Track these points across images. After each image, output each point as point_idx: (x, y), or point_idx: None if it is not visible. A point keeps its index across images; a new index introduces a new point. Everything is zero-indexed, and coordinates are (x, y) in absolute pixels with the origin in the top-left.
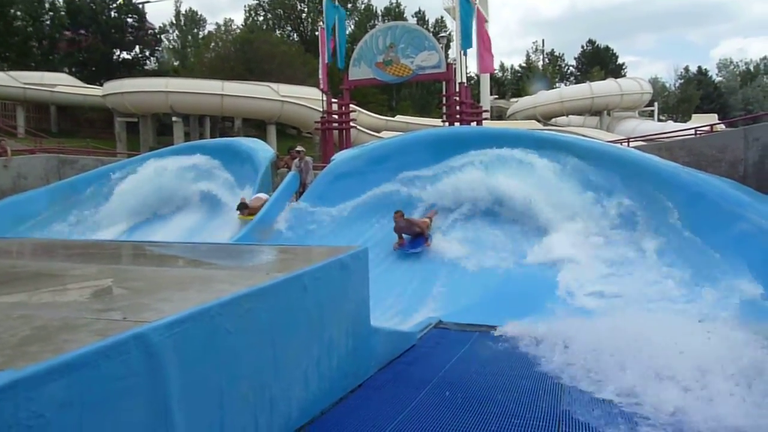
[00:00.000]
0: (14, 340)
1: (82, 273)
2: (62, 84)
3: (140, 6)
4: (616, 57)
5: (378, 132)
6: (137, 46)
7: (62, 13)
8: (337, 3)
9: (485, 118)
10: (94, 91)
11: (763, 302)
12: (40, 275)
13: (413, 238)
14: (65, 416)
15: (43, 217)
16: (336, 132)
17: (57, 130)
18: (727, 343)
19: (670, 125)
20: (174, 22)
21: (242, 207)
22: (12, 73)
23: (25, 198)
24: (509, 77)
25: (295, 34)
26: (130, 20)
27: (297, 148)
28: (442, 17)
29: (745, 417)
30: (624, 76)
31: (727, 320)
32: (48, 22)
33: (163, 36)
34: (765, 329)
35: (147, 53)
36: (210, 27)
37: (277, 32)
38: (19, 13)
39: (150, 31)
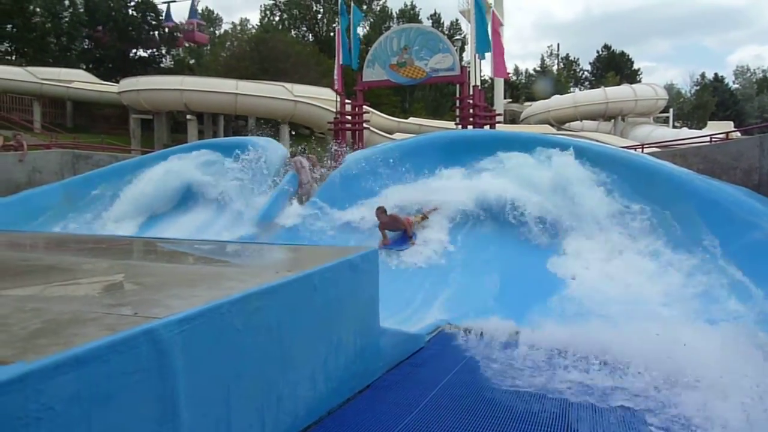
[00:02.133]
0: (25, 332)
1: (93, 268)
2: (79, 80)
3: (163, 5)
4: (632, 62)
5: (390, 134)
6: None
7: (80, 10)
8: (352, 4)
9: (498, 122)
10: (110, 87)
11: None
12: (52, 269)
13: (400, 236)
14: (74, 409)
15: (56, 211)
16: (349, 133)
17: (72, 125)
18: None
19: (685, 132)
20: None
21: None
22: (29, 68)
23: (40, 192)
24: (523, 81)
25: (310, 35)
26: (148, 17)
27: (290, 151)
28: (457, 20)
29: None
30: (639, 81)
31: (739, 328)
32: (66, 19)
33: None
34: None
35: (163, 51)
36: (226, 26)
37: (292, 32)
38: (38, 9)
39: (171, 28)
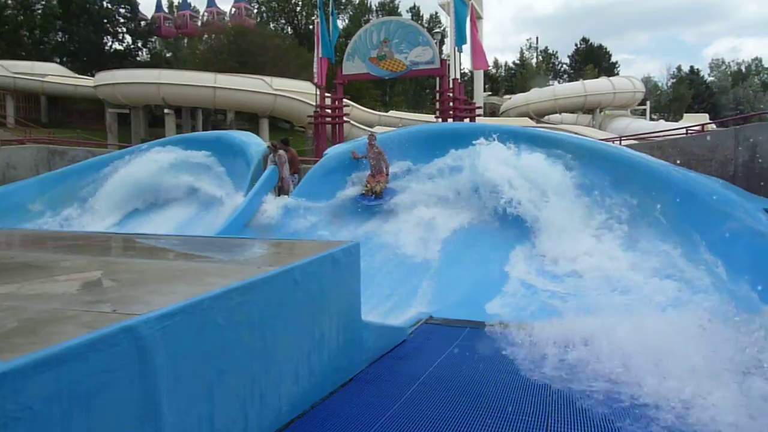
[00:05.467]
0: (1, 331)
1: (71, 265)
2: (53, 74)
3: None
4: (610, 55)
5: (371, 127)
6: (129, 37)
7: (54, 2)
8: None
9: (478, 115)
10: (85, 81)
11: (751, 300)
12: (29, 267)
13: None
14: (54, 408)
15: (32, 208)
16: (329, 126)
17: (47, 120)
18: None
19: (662, 124)
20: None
21: None
22: (2, 62)
23: (14, 188)
24: (503, 74)
25: (288, 28)
26: (122, 11)
27: (269, 144)
28: (436, 13)
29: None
30: (617, 74)
31: (715, 317)
32: (39, 12)
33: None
34: (753, 326)
35: (139, 44)
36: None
37: (271, 25)
38: (10, 2)
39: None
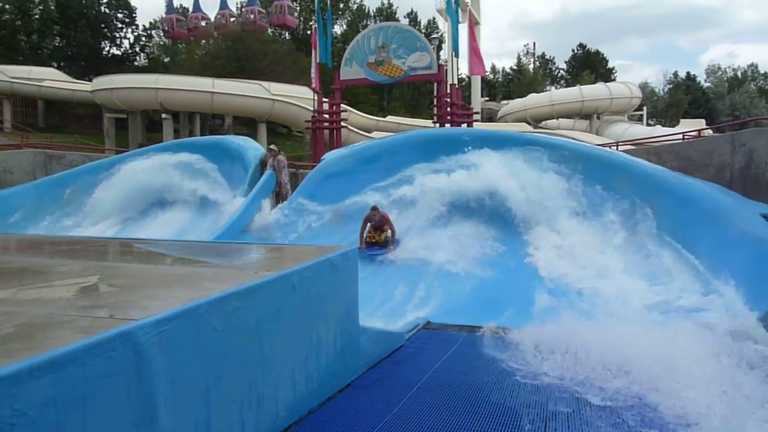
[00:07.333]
0: None
1: (67, 270)
2: (50, 79)
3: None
4: (607, 61)
5: (369, 132)
6: (126, 41)
7: (51, 7)
8: (329, 2)
9: (476, 120)
10: (82, 86)
11: (746, 305)
12: (25, 271)
13: (379, 245)
14: (49, 414)
15: (29, 212)
16: (327, 131)
17: (44, 125)
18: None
19: (659, 130)
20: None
21: None
22: None
23: (11, 193)
24: (500, 79)
25: (286, 33)
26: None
27: (270, 146)
28: (434, 18)
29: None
30: (614, 80)
31: (710, 322)
32: (37, 16)
33: (153, 32)
34: (747, 331)
35: (137, 49)
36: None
37: (269, 30)
38: (7, 6)
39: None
